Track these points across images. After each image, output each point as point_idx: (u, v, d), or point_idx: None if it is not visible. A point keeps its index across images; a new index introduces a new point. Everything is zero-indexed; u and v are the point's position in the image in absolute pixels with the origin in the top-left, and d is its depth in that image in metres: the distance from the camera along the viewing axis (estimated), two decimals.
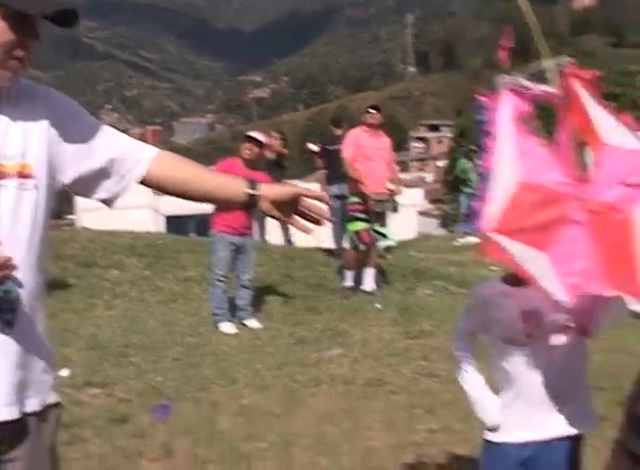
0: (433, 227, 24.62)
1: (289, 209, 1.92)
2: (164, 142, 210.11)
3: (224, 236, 6.98)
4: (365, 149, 8.00)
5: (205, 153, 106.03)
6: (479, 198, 2.17)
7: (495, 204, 2.14)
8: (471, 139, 20.90)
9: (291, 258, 10.00)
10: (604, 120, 2.30)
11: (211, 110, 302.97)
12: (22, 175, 1.71)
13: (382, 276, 9.02)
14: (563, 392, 2.54)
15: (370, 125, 8.32)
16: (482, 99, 2.32)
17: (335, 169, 9.41)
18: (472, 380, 2.74)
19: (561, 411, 2.54)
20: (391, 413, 4.81)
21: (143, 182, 1.91)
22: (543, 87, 2.31)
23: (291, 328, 7.09)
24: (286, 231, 11.86)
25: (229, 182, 1.94)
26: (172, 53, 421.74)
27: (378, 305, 7.93)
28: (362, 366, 5.83)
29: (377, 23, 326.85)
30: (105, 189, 1.88)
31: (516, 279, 2.56)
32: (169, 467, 3.95)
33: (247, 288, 7.19)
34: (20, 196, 1.70)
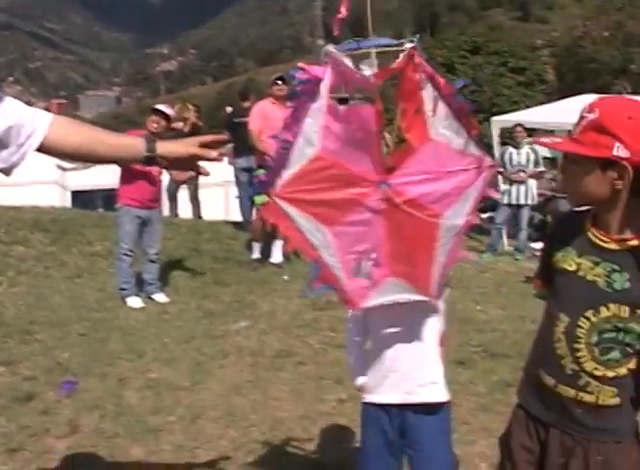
0: None
1: (188, 163, 2.10)
2: (70, 116, 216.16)
3: (130, 209, 6.82)
4: (272, 121, 7.71)
5: (111, 126, 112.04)
6: (276, 163, 2.13)
7: (288, 170, 2.11)
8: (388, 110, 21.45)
9: (198, 232, 9.85)
10: (440, 115, 2.16)
11: (118, 83, 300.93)
12: None
13: None
14: (408, 356, 2.55)
15: (277, 97, 8.30)
16: (300, 67, 2.12)
17: (242, 142, 9.27)
18: (348, 341, 2.79)
19: (408, 376, 2.55)
20: (300, 384, 4.83)
21: (41, 149, 1.85)
22: (363, 71, 2.11)
23: (198, 301, 6.99)
24: (196, 206, 11.81)
25: (127, 143, 1.97)
26: (77, 24, 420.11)
27: (285, 277, 7.93)
28: (270, 338, 5.84)
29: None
30: (2, 159, 1.81)
31: None
32: (76, 444, 3.89)
33: (153, 262, 7.06)
34: None
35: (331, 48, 2.04)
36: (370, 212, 2.16)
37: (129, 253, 6.85)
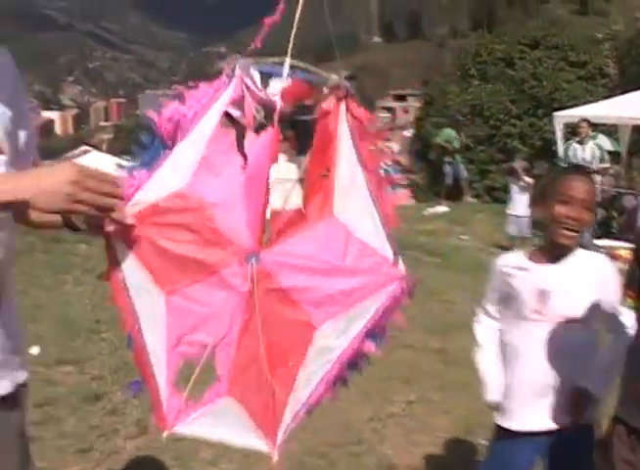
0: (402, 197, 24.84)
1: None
2: (129, 115, 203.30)
3: None
4: None
5: None
6: (130, 184, 1.55)
7: (143, 192, 1.56)
8: (438, 109, 20.98)
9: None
10: (355, 188, 1.64)
11: (176, 81, 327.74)
12: None
13: None
14: (565, 377, 2.36)
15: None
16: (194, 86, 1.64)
17: (305, 140, 9.07)
18: (481, 354, 2.61)
19: (559, 399, 2.36)
20: (367, 385, 4.73)
21: None
22: (269, 92, 1.64)
23: None
24: None
25: None
26: (136, 25, 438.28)
27: None
28: None
29: None
30: None
31: (540, 257, 2.47)
32: (144, 445, 3.88)
33: None
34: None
35: (242, 62, 1.60)
36: (226, 290, 1.59)
37: None
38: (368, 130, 1.63)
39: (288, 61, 1.62)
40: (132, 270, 1.56)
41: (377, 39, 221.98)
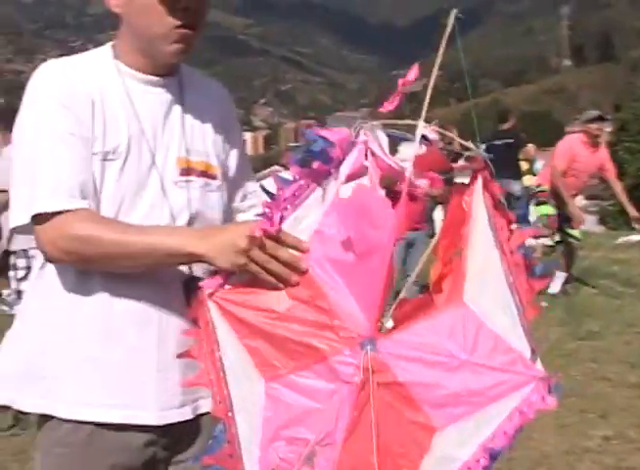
0: (591, 224, 22.81)
1: None
2: None
3: None
4: (578, 163, 7.83)
5: None
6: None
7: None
8: (632, 134, 20.12)
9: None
10: (492, 276, 1.44)
11: (365, 104, 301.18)
12: (207, 175, 1.66)
13: None
14: None
15: (591, 137, 7.91)
16: (319, 131, 1.38)
17: (496, 166, 11.36)
18: None
19: None
20: (563, 417, 4.69)
21: None
22: (398, 158, 1.45)
23: None
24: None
25: None
26: (327, 48, 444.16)
27: (544, 304, 7.37)
28: None
29: (531, 15, 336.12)
30: None
31: None
32: None
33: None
34: (205, 197, 1.63)
35: (368, 125, 1.41)
36: (333, 381, 1.39)
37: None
38: (504, 208, 1.44)
39: (421, 124, 1.44)
40: (231, 350, 1.39)
41: (567, 62, 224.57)
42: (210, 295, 1.39)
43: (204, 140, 1.67)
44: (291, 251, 1.35)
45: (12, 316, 2.00)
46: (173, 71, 1.64)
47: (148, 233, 1.44)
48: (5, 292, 6.10)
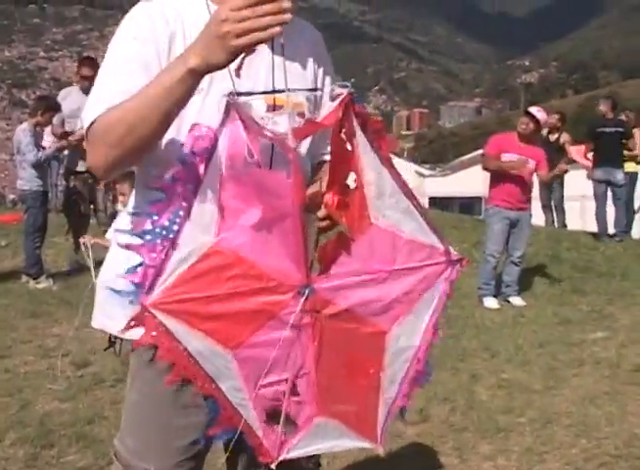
0: None
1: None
2: (431, 125, 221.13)
3: (500, 210, 7.58)
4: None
5: (470, 137, 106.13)
6: (152, 257, 1.59)
7: (171, 269, 1.60)
8: None
9: (557, 240, 10.87)
10: (385, 189, 1.70)
11: (479, 94, 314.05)
12: (294, 112, 1.78)
13: None
14: None
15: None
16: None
17: (602, 153, 10.82)
18: None
19: None
20: None
21: None
22: (276, 127, 1.71)
23: (555, 308, 7.57)
24: (561, 214, 12.81)
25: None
26: (441, 36, 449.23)
27: None
28: (629, 351, 6.02)
29: None
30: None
31: None
32: (425, 432, 4.34)
33: (516, 265, 7.73)
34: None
35: (235, 96, 1.56)
36: (287, 329, 1.68)
37: (495, 254, 7.63)
38: (373, 125, 1.67)
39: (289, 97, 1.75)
40: (193, 339, 1.64)
41: None
42: (152, 305, 1.59)
43: (294, 77, 1.77)
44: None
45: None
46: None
47: (149, 84, 1.51)
48: (82, 240, 6.01)
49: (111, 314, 1.82)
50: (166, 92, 1.48)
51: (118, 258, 1.73)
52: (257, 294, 1.64)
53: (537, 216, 10.09)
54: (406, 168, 30.55)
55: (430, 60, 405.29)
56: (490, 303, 7.72)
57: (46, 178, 8.21)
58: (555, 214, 12.93)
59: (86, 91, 7.96)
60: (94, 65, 8.24)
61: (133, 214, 1.74)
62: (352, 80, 1.74)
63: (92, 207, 8.55)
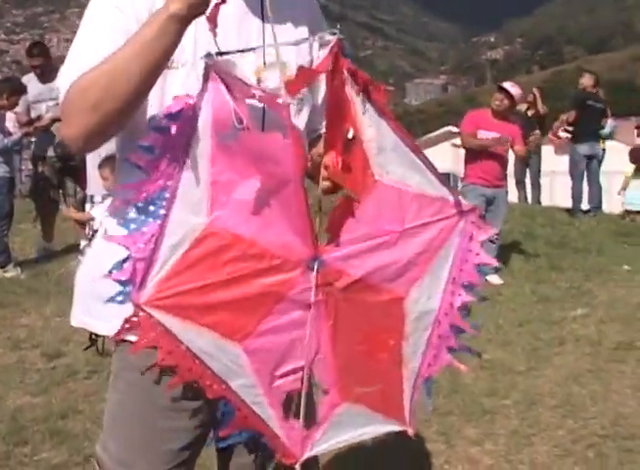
0: None
1: None
2: (397, 103, 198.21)
3: (476, 187, 7.52)
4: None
5: (436, 114, 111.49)
6: (139, 249, 1.44)
7: (162, 260, 1.45)
8: None
9: (531, 216, 10.81)
10: (387, 144, 1.58)
11: (444, 71, 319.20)
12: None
13: (629, 237, 9.85)
14: None
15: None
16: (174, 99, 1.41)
17: (587, 127, 10.69)
18: None
19: None
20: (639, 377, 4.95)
21: None
22: (265, 84, 1.55)
23: (533, 285, 7.53)
24: (536, 190, 12.69)
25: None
26: (407, 15, 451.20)
27: (626, 267, 8.25)
28: (609, 328, 6.05)
29: None
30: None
31: None
32: None
33: (493, 242, 7.39)
34: (296, 111, 1.68)
35: (214, 56, 1.41)
36: (299, 309, 1.55)
37: None
38: (363, 76, 1.56)
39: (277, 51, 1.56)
40: (195, 336, 1.50)
41: None
42: (146, 303, 1.44)
43: (286, 50, 1.61)
44: None
45: None
46: None
47: (127, 42, 1.40)
48: (83, 242, 6.06)
49: (93, 312, 1.69)
50: (148, 45, 1.37)
51: (103, 252, 1.58)
52: (261, 275, 1.50)
53: (511, 193, 9.83)
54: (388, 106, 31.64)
55: (396, 38, 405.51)
56: None
57: (12, 164, 8.01)
58: (530, 190, 12.86)
59: (42, 79, 7.95)
60: (43, 51, 8.15)
61: (114, 201, 1.61)
62: (339, 26, 1.59)
63: (61, 192, 8.38)
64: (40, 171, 8.31)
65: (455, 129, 16.87)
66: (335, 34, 1.51)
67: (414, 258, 1.64)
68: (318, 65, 1.52)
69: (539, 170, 12.70)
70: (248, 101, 1.43)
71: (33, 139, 8.52)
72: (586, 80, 11.31)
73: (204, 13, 1.36)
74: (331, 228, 1.60)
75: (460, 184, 8.44)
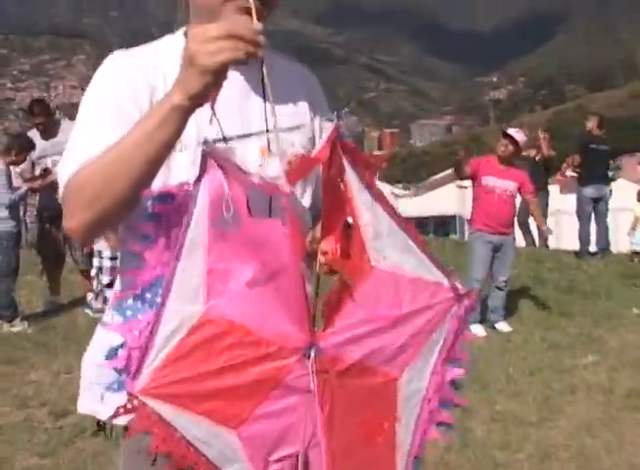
0: None
1: None
2: (402, 145, 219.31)
3: (482, 234, 7.48)
4: None
5: (442, 155, 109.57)
6: (134, 336, 1.43)
7: (157, 349, 1.45)
8: None
9: (539, 260, 10.87)
10: (382, 228, 1.57)
11: (448, 111, 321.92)
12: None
13: (638, 279, 9.79)
14: None
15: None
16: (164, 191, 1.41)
17: (593, 170, 10.75)
18: None
19: None
20: None
21: None
22: (266, 172, 1.47)
23: (542, 332, 7.49)
24: (543, 234, 12.06)
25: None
26: (408, 55, 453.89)
27: (635, 311, 8.30)
28: (621, 375, 6.01)
29: (618, 19, 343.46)
30: None
31: None
32: None
33: (501, 290, 7.63)
34: (301, 191, 1.71)
35: (211, 143, 1.40)
36: (295, 395, 1.54)
37: (480, 279, 7.48)
38: (365, 159, 1.55)
39: (276, 136, 1.57)
40: (189, 424, 1.49)
41: None
42: (141, 392, 1.43)
43: (288, 127, 1.68)
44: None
45: (95, 319, 2.47)
46: None
47: (127, 133, 1.37)
48: (90, 295, 6.43)
49: (98, 399, 1.69)
50: (149, 136, 1.35)
51: (103, 338, 1.60)
52: (257, 362, 1.49)
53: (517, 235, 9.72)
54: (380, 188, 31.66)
55: (398, 79, 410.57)
56: (477, 329, 7.58)
57: (19, 217, 8.12)
58: (537, 233, 12.83)
59: (45, 136, 8.10)
60: (44, 108, 8.26)
61: (115, 292, 1.62)
62: (346, 109, 1.59)
63: (67, 245, 8.35)
64: (46, 225, 8.34)
65: None
66: (331, 121, 1.47)
67: (408, 341, 1.63)
68: (317, 153, 1.48)
69: (545, 215, 12.28)
70: (249, 187, 1.44)
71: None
72: (590, 123, 11.40)
73: (205, 96, 1.36)
74: (327, 313, 1.57)
75: (467, 227, 8.50)
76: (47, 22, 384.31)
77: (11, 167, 7.85)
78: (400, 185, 45.08)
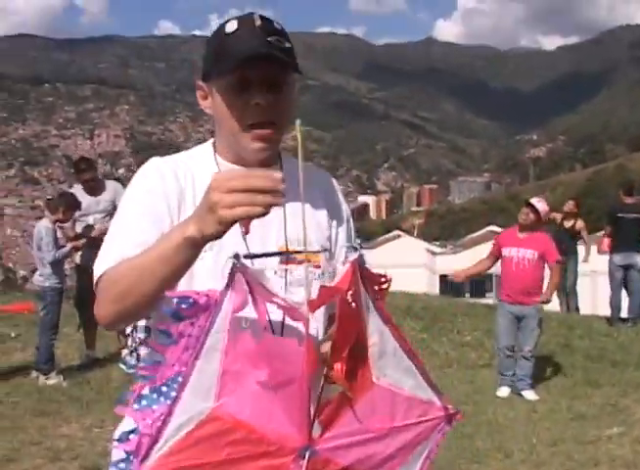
0: None
1: None
2: (441, 201, 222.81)
3: (503, 304, 7.73)
4: None
5: (480, 212, 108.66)
6: (146, 424, 1.52)
7: (167, 437, 1.54)
8: None
9: (570, 327, 10.74)
10: (387, 350, 1.73)
11: (487, 169, 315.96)
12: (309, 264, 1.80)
13: None
14: None
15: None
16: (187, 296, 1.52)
17: (621, 238, 10.98)
18: None
19: None
20: None
21: None
22: (290, 296, 1.65)
23: (569, 402, 7.41)
24: (573, 298, 12.74)
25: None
26: (449, 112, 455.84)
27: None
28: None
29: None
30: None
31: None
32: None
33: (527, 359, 7.65)
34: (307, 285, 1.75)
35: (241, 258, 1.48)
36: None
37: (506, 349, 7.72)
38: (377, 282, 1.70)
39: (306, 269, 1.79)
40: None
41: None
42: None
43: (308, 229, 1.72)
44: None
45: (129, 375, 2.91)
46: (271, 163, 1.79)
47: (153, 246, 1.55)
48: (124, 352, 6.59)
49: None
50: (166, 256, 1.50)
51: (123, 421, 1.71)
52: (257, 458, 1.60)
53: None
54: (417, 246, 30.91)
55: (438, 136, 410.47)
56: (502, 392, 7.77)
57: (62, 274, 8.29)
58: (567, 298, 12.88)
59: (91, 193, 8.33)
60: (90, 165, 8.58)
61: (135, 384, 1.70)
62: (359, 242, 1.76)
63: None
64: (85, 282, 8.34)
65: (498, 229, 17.75)
66: (355, 250, 1.64)
67: (396, 452, 1.76)
68: (338, 282, 1.61)
69: (576, 280, 12.82)
70: (269, 307, 1.55)
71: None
72: (620, 191, 11.66)
73: (218, 238, 1.47)
74: (325, 420, 1.68)
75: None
76: (94, 71, 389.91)
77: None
78: (438, 242, 45.32)
